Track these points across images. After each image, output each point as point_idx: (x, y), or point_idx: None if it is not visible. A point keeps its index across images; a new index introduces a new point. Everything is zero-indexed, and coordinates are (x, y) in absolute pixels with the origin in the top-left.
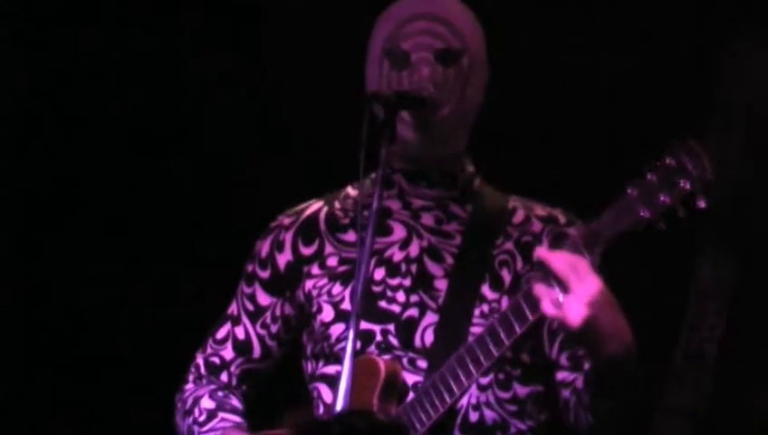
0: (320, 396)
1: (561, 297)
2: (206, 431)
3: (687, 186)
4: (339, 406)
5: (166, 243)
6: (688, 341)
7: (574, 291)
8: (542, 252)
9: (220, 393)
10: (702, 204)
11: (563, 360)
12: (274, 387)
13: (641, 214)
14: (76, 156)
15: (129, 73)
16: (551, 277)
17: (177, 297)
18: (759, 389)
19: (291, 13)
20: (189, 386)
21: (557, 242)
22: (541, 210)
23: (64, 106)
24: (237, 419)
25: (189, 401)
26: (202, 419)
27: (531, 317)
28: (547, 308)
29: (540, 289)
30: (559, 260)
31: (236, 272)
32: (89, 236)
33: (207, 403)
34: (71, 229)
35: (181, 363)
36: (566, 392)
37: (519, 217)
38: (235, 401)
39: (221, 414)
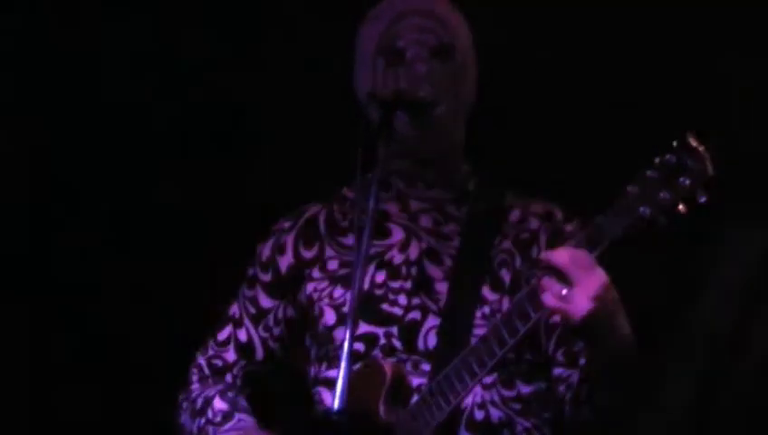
0: (321, 400)
1: (564, 291)
2: (226, 431)
3: (687, 182)
4: (335, 407)
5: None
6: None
7: (578, 284)
8: (544, 252)
9: (230, 394)
10: (702, 199)
11: (559, 356)
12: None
13: (641, 211)
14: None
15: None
16: (554, 271)
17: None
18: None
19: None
20: (195, 386)
21: (555, 239)
22: (538, 207)
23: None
24: (252, 419)
25: (200, 402)
26: (218, 419)
27: (533, 316)
28: (549, 301)
29: (544, 283)
30: (562, 254)
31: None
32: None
33: (220, 404)
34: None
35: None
36: (562, 388)
37: (516, 215)
38: (245, 402)
39: (237, 415)
